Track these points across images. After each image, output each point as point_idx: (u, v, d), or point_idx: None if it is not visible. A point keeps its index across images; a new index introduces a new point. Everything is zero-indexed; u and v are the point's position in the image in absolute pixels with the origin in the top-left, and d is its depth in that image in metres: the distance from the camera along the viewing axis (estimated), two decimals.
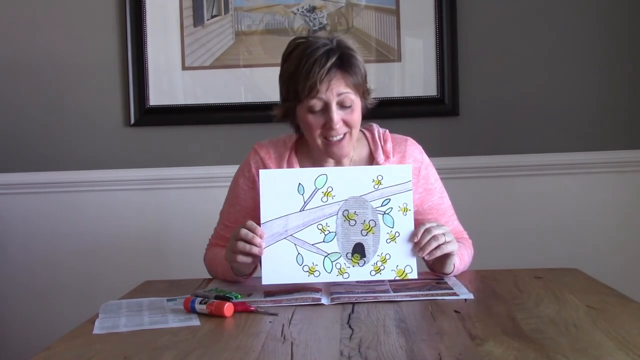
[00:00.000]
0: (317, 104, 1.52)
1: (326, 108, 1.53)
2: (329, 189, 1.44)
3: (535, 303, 1.33)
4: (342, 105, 1.54)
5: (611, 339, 1.08)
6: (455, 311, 1.28)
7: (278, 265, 1.43)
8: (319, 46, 1.52)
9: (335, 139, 1.55)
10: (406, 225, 1.44)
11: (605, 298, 1.35)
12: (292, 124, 1.66)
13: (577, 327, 1.16)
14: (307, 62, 1.50)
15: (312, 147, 1.63)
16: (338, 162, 1.65)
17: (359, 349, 1.07)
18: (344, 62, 1.53)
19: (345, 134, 1.56)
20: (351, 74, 1.54)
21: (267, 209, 1.44)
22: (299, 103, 1.55)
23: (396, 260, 1.44)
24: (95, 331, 1.24)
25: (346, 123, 1.55)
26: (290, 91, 1.55)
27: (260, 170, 1.47)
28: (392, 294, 1.41)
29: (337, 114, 1.53)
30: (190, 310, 1.34)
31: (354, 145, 1.63)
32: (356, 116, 1.57)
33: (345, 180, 1.45)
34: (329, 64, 1.50)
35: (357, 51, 1.59)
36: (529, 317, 1.23)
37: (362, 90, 1.58)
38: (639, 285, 2.12)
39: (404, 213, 1.44)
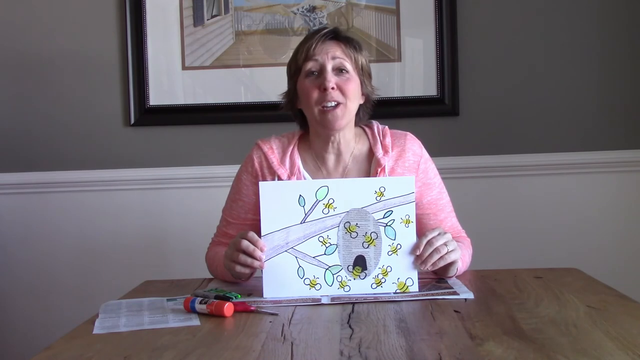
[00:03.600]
0: (313, 66, 1.60)
1: (322, 70, 1.59)
2: (330, 201, 1.43)
3: (535, 303, 1.33)
4: (337, 70, 1.60)
5: (611, 339, 1.08)
6: (455, 311, 1.28)
7: (279, 279, 1.43)
8: (319, 29, 1.68)
9: (329, 104, 1.58)
10: (408, 237, 1.43)
11: (605, 298, 1.35)
12: (295, 116, 1.70)
13: (577, 327, 1.16)
14: (307, 36, 1.67)
15: (310, 123, 1.65)
16: (338, 155, 1.66)
17: (359, 349, 1.06)
18: (340, 33, 1.65)
19: (340, 104, 1.59)
20: (347, 44, 1.63)
21: (268, 221, 1.43)
22: (299, 75, 1.62)
23: (397, 273, 1.43)
24: (95, 331, 1.24)
25: (341, 90, 1.59)
26: (292, 67, 1.66)
27: (260, 183, 1.46)
28: (392, 294, 1.42)
29: (331, 75, 1.59)
30: (190, 310, 1.34)
31: (353, 133, 1.67)
32: (352, 87, 1.61)
33: (347, 191, 1.43)
34: (325, 31, 1.64)
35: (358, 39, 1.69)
36: (529, 317, 1.23)
37: (361, 66, 1.64)
38: (639, 285, 2.13)
39: (406, 225, 1.43)
